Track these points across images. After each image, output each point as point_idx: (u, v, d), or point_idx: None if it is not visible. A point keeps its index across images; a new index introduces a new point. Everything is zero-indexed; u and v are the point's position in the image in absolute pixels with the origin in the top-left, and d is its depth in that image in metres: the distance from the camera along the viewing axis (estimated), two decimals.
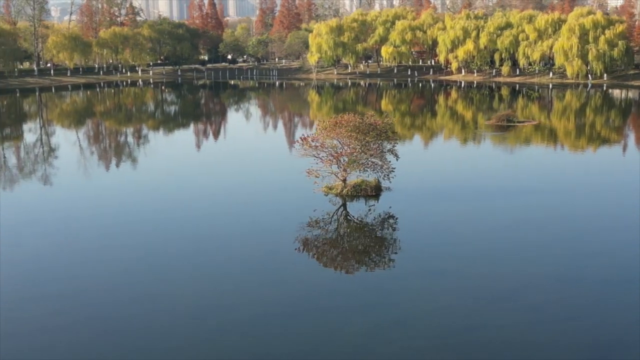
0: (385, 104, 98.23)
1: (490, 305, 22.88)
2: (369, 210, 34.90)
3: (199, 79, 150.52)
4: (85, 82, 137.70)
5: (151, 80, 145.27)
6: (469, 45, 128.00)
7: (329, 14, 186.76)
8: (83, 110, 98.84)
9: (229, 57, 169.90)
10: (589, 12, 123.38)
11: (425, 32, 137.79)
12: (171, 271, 26.17)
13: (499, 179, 44.53)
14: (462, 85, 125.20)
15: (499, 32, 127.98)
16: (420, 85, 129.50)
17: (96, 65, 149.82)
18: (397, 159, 37.35)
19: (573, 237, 30.85)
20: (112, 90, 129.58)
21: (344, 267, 27.31)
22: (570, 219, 33.61)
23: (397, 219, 33.39)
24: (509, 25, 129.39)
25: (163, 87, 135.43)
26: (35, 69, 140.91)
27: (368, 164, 36.64)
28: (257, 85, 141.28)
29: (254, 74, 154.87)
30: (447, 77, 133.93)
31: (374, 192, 36.91)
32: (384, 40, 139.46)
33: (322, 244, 30.11)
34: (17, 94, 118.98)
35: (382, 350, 19.56)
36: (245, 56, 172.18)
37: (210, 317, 21.92)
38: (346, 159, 36.47)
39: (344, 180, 36.95)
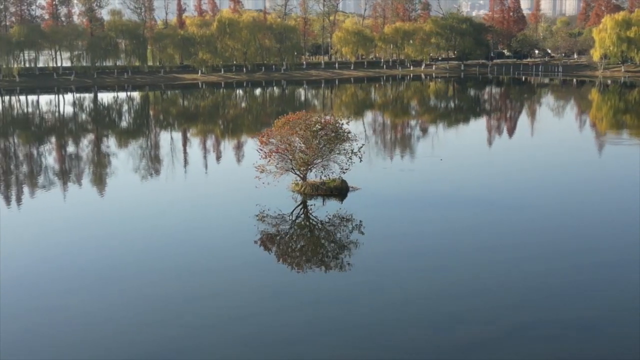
0: None
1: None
2: (310, 210, 34.30)
3: (482, 74, 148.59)
4: (366, 76, 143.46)
5: (434, 75, 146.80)
6: None
7: None
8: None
9: (531, 52, 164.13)
10: None
11: None
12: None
13: (484, 188, 40.09)
14: None
15: None
16: None
17: (382, 60, 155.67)
18: (360, 160, 37.33)
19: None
20: (406, 84, 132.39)
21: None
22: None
23: (342, 220, 32.55)
24: None
25: (455, 83, 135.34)
26: (322, 62, 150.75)
27: (310, 163, 36.73)
28: (542, 82, 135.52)
29: (539, 70, 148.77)
30: None
31: (336, 192, 36.39)
32: None
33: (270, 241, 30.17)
34: (304, 85, 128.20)
35: None
36: (537, 51, 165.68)
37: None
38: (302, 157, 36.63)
39: (304, 178, 37.07)
